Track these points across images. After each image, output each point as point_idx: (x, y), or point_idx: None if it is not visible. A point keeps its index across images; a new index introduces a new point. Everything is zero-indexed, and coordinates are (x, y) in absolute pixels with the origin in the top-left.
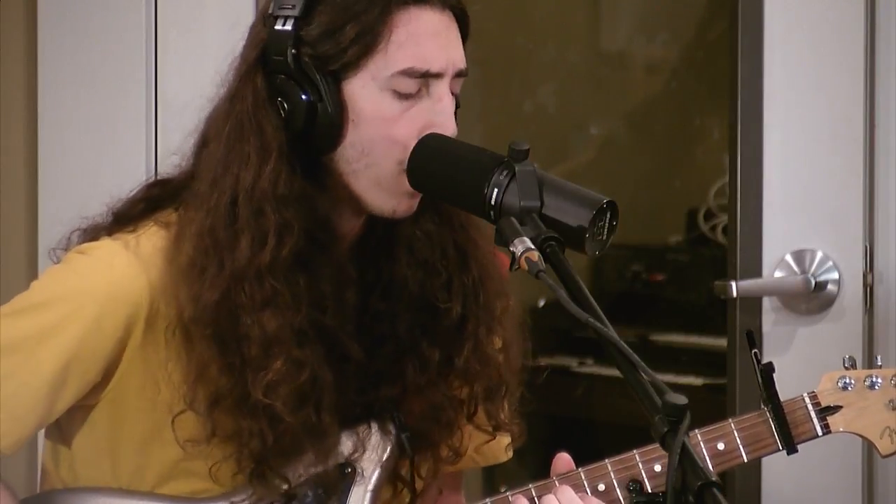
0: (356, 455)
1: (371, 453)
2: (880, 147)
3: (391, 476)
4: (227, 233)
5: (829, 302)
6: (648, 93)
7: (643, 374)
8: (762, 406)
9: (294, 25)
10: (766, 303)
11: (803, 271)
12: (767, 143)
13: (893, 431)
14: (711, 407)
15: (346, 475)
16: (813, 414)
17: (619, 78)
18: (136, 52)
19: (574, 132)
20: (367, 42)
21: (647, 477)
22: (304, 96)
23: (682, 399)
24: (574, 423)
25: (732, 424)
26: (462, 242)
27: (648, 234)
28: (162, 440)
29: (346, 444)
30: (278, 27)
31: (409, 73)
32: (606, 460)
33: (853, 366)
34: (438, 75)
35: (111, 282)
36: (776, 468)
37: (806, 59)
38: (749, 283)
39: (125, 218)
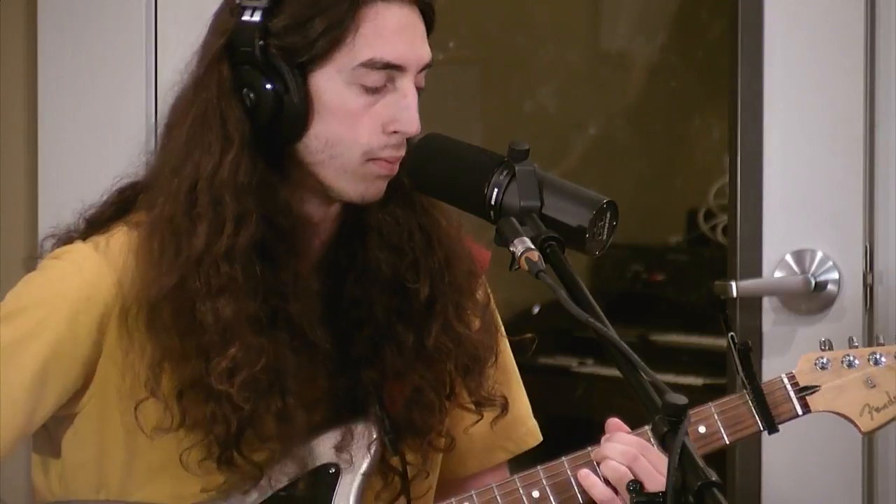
0: (340, 456)
1: (355, 454)
2: (880, 147)
3: (379, 469)
4: (185, 219)
5: (829, 302)
6: (648, 93)
7: (643, 374)
8: (742, 388)
9: (262, 16)
10: (766, 303)
11: (803, 271)
12: (767, 143)
13: (873, 409)
14: None
15: (330, 475)
16: (792, 394)
17: (619, 78)
18: (136, 52)
19: (574, 132)
20: (334, 35)
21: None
22: (269, 87)
23: (682, 399)
24: (574, 423)
25: (713, 407)
26: (427, 224)
27: (648, 234)
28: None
29: (330, 445)
30: (246, 17)
31: (372, 63)
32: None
33: (829, 347)
34: (402, 69)
35: (81, 284)
36: (776, 468)
37: (806, 59)
38: (749, 283)
39: (97, 222)
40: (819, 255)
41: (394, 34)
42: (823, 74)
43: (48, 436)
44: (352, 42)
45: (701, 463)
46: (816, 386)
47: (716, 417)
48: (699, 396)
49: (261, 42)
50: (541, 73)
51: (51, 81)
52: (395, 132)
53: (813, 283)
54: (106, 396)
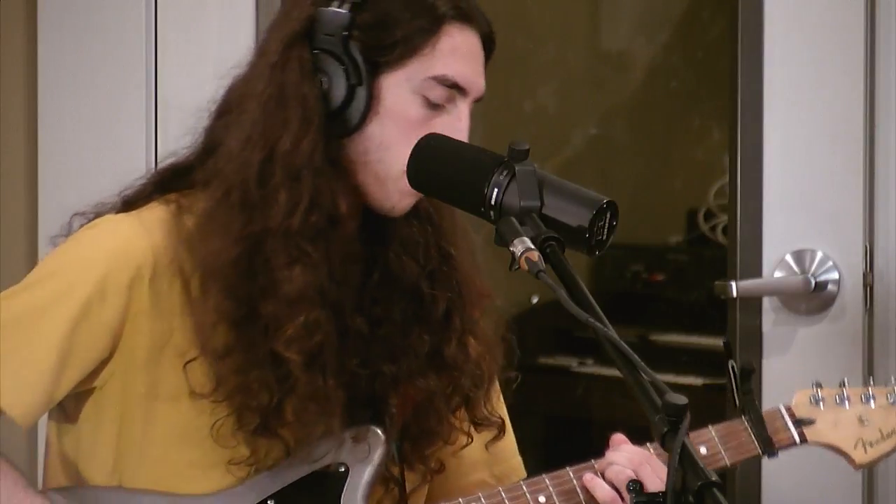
0: (351, 455)
1: (365, 456)
2: (880, 147)
3: (382, 477)
4: (258, 191)
5: (829, 302)
6: (648, 93)
7: (643, 374)
8: (741, 415)
9: (351, 9)
10: (766, 303)
11: (803, 271)
12: (767, 143)
13: (867, 443)
14: (711, 407)
15: (340, 473)
16: (790, 424)
17: (619, 78)
18: (136, 52)
19: (574, 132)
20: (415, 43)
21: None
22: (344, 78)
23: (682, 399)
24: (574, 423)
25: (713, 430)
26: (445, 242)
27: (648, 234)
28: (169, 397)
29: (342, 443)
30: (334, 7)
31: (443, 79)
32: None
33: (821, 386)
34: (465, 92)
35: (115, 246)
36: (776, 468)
37: (806, 59)
38: (749, 283)
39: (134, 200)
40: (819, 255)
41: (466, 57)
42: (823, 74)
43: (64, 412)
44: (429, 54)
45: (701, 463)
46: (812, 419)
47: (716, 440)
48: (699, 396)
49: (345, 33)
50: (541, 73)
51: (51, 81)
52: None
53: (813, 283)
54: (129, 366)
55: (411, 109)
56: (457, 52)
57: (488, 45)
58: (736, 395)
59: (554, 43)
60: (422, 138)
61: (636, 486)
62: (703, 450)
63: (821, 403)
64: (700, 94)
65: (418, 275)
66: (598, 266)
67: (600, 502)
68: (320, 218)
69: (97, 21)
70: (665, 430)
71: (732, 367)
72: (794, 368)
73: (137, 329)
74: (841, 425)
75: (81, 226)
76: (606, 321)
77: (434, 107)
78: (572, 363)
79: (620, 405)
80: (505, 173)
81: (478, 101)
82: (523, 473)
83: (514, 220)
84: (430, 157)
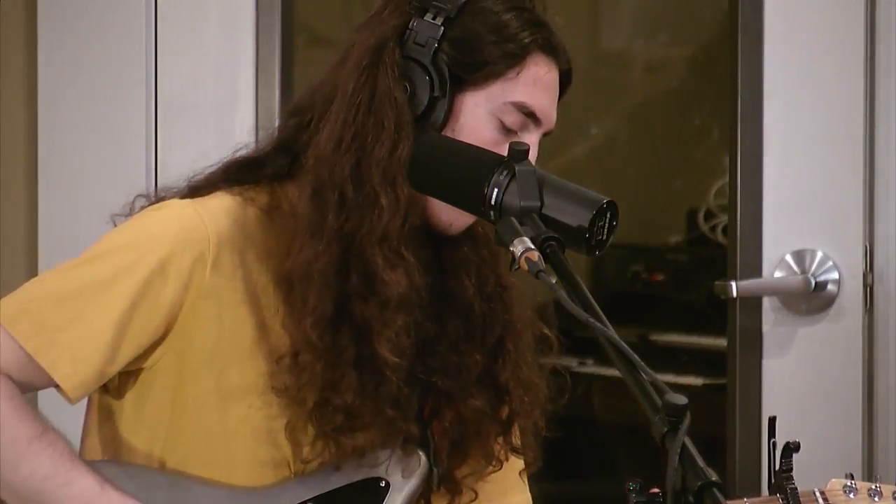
0: (393, 472)
1: (406, 474)
2: (880, 147)
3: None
4: (355, 193)
5: (829, 302)
6: (648, 93)
7: (643, 374)
8: (775, 493)
9: (444, 22)
10: (766, 303)
11: (803, 271)
12: (767, 143)
13: None
14: (711, 407)
15: (380, 488)
16: None
17: (619, 78)
18: (136, 52)
19: (574, 132)
20: (500, 67)
21: None
22: (428, 90)
23: (682, 399)
24: (574, 423)
25: (747, 503)
26: (497, 269)
27: (648, 234)
28: (237, 392)
29: (386, 458)
30: (429, 18)
31: (521, 107)
32: None
33: (852, 478)
34: (539, 122)
35: (179, 228)
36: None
37: (806, 59)
38: (749, 283)
39: (201, 188)
40: (819, 255)
41: (546, 89)
42: (823, 74)
43: (108, 389)
44: (513, 80)
45: (701, 463)
46: None
47: None
48: (699, 396)
49: (436, 45)
50: None
51: (51, 82)
52: None
53: (813, 283)
54: (184, 350)
55: (486, 131)
56: (539, 83)
57: (565, 80)
58: (774, 472)
59: None
60: (422, 138)
61: (636, 486)
62: None
63: (853, 493)
64: (700, 94)
65: (474, 295)
66: (598, 266)
67: None
68: (414, 224)
69: (97, 21)
70: (665, 430)
71: (773, 445)
72: (794, 368)
73: (195, 314)
74: None
75: (143, 207)
76: (606, 321)
77: (507, 132)
78: (572, 363)
79: (620, 405)
80: (505, 173)
81: (547, 134)
82: None
83: (514, 220)
84: (430, 157)
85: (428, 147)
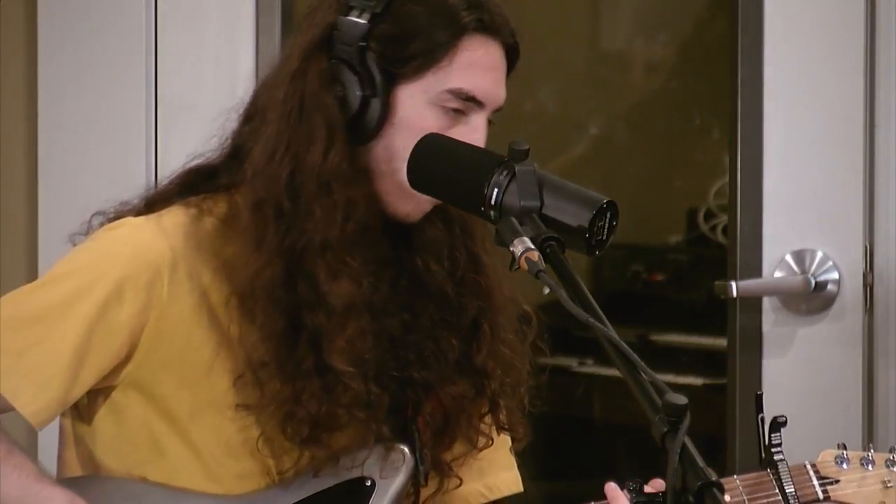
0: (378, 470)
1: (392, 472)
2: (880, 147)
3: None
4: (292, 204)
5: (829, 302)
6: (648, 93)
7: (643, 374)
8: (766, 468)
9: (370, 19)
10: (766, 303)
11: (803, 271)
12: (767, 143)
13: None
14: (711, 407)
15: (366, 487)
16: (815, 480)
17: (619, 78)
18: (136, 52)
19: (574, 132)
20: (432, 57)
21: None
22: (359, 88)
23: (682, 399)
24: (574, 423)
25: (738, 481)
26: (475, 247)
27: (648, 234)
28: (210, 409)
29: (371, 457)
30: (353, 17)
31: (458, 93)
32: None
33: (845, 448)
34: (481, 105)
35: (134, 248)
36: None
37: (806, 59)
38: (749, 283)
39: (157, 203)
40: (819, 255)
41: (485, 69)
42: (823, 74)
43: (79, 408)
44: (447, 67)
45: (701, 463)
46: (837, 479)
47: (741, 490)
48: (699, 396)
49: (362, 43)
50: (541, 73)
51: (51, 82)
52: None
53: (813, 283)
54: (152, 368)
55: (427, 121)
56: (475, 65)
57: (511, 55)
58: (763, 447)
59: (554, 43)
60: (422, 138)
61: (636, 486)
62: (727, 498)
63: (845, 464)
64: (700, 94)
65: (445, 280)
66: (598, 266)
67: None
68: (356, 227)
69: (97, 21)
70: (665, 430)
71: (762, 420)
72: (794, 368)
73: (158, 332)
74: (864, 487)
75: (101, 224)
76: (606, 321)
77: (450, 118)
78: (572, 363)
79: (620, 405)
80: (505, 173)
81: (497, 111)
82: (518, 488)
83: (514, 220)
84: (429, 157)
85: (428, 147)
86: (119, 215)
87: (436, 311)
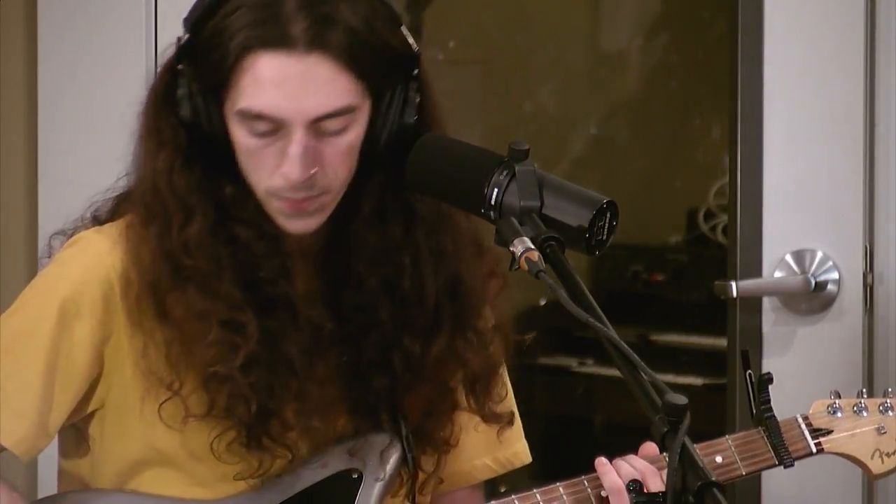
0: (362, 462)
1: (377, 462)
2: (880, 147)
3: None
4: (147, 218)
5: (829, 302)
6: (648, 93)
7: (643, 374)
8: (757, 425)
9: (178, 42)
10: (766, 303)
11: (803, 271)
12: (767, 143)
13: (884, 454)
14: (711, 407)
15: (353, 480)
16: (807, 434)
17: (619, 78)
18: (136, 53)
19: (574, 132)
20: (219, 79)
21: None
22: (188, 107)
23: (682, 399)
24: (574, 423)
25: (729, 440)
26: (431, 241)
27: (648, 234)
28: (168, 419)
29: (353, 451)
30: (174, 40)
31: (244, 113)
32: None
33: (839, 396)
34: (281, 121)
35: (86, 263)
36: (776, 468)
37: (806, 59)
38: (749, 283)
39: (102, 217)
40: (819, 255)
41: (273, 86)
42: (823, 74)
43: (77, 435)
44: (233, 88)
45: (701, 463)
46: (829, 430)
47: (732, 450)
48: (699, 396)
49: (179, 66)
50: (541, 73)
51: (51, 81)
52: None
53: (813, 283)
54: (121, 383)
55: (241, 139)
56: (263, 83)
57: (336, 55)
58: (753, 404)
59: (554, 43)
60: (421, 138)
61: (636, 485)
62: (718, 459)
63: (838, 413)
64: (700, 94)
65: (395, 278)
66: (598, 266)
67: (606, 489)
68: (207, 230)
69: (97, 21)
70: (665, 430)
71: (750, 377)
72: (794, 368)
73: (120, 344)
74: (858, 435)
75: (61, 244)
76: (606, 321)
77: (262, 135)
78: (572, 363)
79: (620, 405)
80: (505, 173)
81: (321, 119)
82: (528, 459)
83: (514, 220)
84: (429, 157)
85: (428, 147)
86: (75, 231)
87: (392, 309)
